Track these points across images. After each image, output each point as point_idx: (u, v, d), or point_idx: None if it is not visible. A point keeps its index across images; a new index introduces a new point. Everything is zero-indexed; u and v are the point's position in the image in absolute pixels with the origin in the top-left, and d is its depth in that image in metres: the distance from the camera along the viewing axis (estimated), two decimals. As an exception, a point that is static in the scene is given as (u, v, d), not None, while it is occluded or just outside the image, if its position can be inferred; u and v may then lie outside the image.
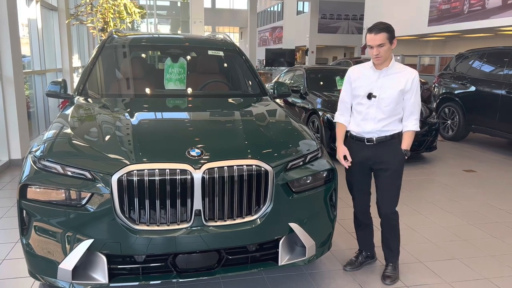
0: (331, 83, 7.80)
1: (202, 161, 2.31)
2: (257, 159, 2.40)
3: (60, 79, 3.67)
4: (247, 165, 2.36)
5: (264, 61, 20.75)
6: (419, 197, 4.85)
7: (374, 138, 2.81)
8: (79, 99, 3.36)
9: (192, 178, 2.26)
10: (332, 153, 6.25)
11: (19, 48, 5.90)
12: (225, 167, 2.32)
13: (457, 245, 3.56)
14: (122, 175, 2.22)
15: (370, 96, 2.76)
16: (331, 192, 2.75)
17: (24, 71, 6.38)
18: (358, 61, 13.24)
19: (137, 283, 2.34)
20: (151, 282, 2.36)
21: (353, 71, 2.91)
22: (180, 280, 2.38)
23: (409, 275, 3.05)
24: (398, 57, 15.69)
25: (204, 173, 2.28)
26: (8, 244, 3.37)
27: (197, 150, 2.37)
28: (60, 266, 2.25)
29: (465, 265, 3.20)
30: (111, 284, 2.30)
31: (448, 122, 8.12)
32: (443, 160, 6.61)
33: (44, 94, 4.56)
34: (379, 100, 2.74)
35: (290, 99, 7.88)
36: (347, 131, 2.96)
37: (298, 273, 3.01)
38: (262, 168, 2.38)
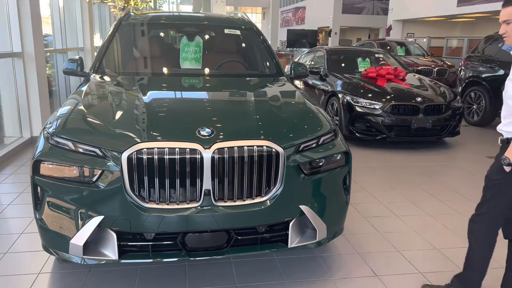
0: (352, 65, 7.63)
1: (212, 141, 2.28)
2: (268, 140, 2.36)
3: (77, 57, 3.69)
4: (257, 146, 2.31)
5: (286, 42, 20.46)
6: (439, 183, 4.72)
7: (499, 138, 2.28)
8: (95, 77, 3.37)
9: (201, 158, 2.24)
10: (351, 136, 6.20)
11: (40, 27, 5.95)
12: (235, 147, 2.28)
13: (475, 233, 3.45)
14: (132, 153, 2.21)
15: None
16: (344, 175, 2.69)
17: (45, 49, 6.45)
18: (383, 43, 12.89)
19: (146, 261, 2.36)
20: (162, 260, 2.37)
21: None
22: (190, 258, 2.38)
23: (425, 262, 2.98)
24: (424, 39, 15.22)
25: (213, 153, 2.25)
26: (27, 218, 3.46)
27: (207, 130, 2.34)
28: (72, 241, 2.28)
29: (483, 254, 3.11)
30: (121, 261, 2.32)
31: (474, 106, 7.85)
32: (466, 146, 6.42)
33: (65, 72, 4.65)
34: (504, 93, 2.31)
35: (310, 81, 7.76)
36: None
37: (309, 256, 2.98)
38: (273, 149, 2.34)
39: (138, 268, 2.75)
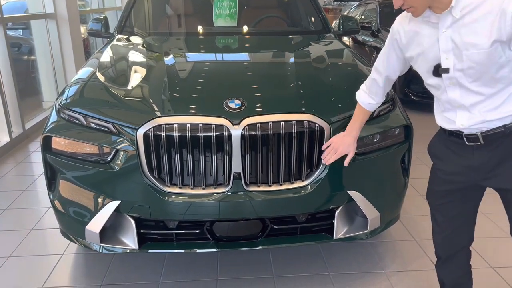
0: (408, 18, 6.83)
1: (242, 115, 1.90)
2: (311, 113, 1.94)
3: (101, 16, 3.38)
4: (297, 121, 1.90)
5: (334, -5, 19.18)
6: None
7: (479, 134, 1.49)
8: (119, 38, 3.05)
9: (229, 136, 1.87)
10: (406, 99, 5.57)
11: (73, -15, 5.70)
12: (269, 123, 1.89)
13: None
14: (148, 129, 1.88)
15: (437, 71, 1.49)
16: (404, 153, 2.24)
17: (80, 10, 6.22)
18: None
19: (169, 251, 2.08)
20: (188, 250, 2.09)
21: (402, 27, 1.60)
22: (218, 250, 2.08)
23: (496, 254, 2.51)
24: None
25: (244, 129, 1.87)
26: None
27: (237, 102, 1.95)
28: (87, 227, 2.03)
29: None
30: (145, 251, 2.06)
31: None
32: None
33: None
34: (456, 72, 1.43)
35: (360, 37, 7.07)
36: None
37: (358, 243, 2.61)
38: (316, 124, 1.92)
39: (166, 254, 2.50)
